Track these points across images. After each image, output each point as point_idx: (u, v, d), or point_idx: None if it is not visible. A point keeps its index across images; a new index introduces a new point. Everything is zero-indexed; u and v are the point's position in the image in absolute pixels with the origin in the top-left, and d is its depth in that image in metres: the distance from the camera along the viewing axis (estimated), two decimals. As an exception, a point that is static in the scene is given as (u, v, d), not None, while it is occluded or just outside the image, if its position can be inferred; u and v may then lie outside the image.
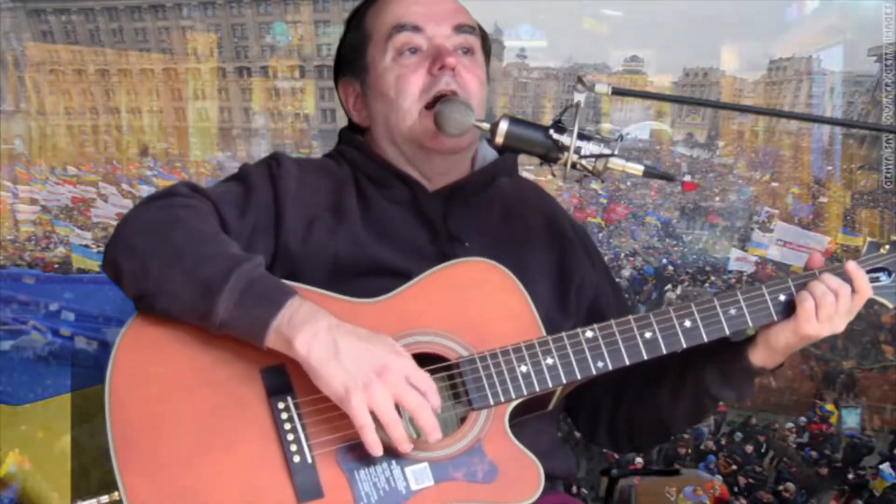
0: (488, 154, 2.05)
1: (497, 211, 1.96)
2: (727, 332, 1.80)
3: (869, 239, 1.88)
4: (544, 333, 1.79)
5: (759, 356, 1.85)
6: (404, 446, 1.65)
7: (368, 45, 1.98)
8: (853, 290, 1.78)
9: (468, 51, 1.96)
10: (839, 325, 1.80)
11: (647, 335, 1.79)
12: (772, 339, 1.83)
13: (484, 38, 2.02)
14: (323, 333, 1.64)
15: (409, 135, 1.90)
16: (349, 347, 1.63)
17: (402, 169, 1.93)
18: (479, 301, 1.79)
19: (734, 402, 1.91)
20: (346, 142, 2.01)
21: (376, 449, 1.63)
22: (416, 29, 1.94)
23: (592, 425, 2.00)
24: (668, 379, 1.91)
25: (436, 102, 1.86)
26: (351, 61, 2.01)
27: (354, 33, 2.01)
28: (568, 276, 1.96)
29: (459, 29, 1.96)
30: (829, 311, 1.76)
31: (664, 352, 1.80)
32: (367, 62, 1.98)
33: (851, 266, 1.81)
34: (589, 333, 1.78)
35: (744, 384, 1.88)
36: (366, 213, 1.90)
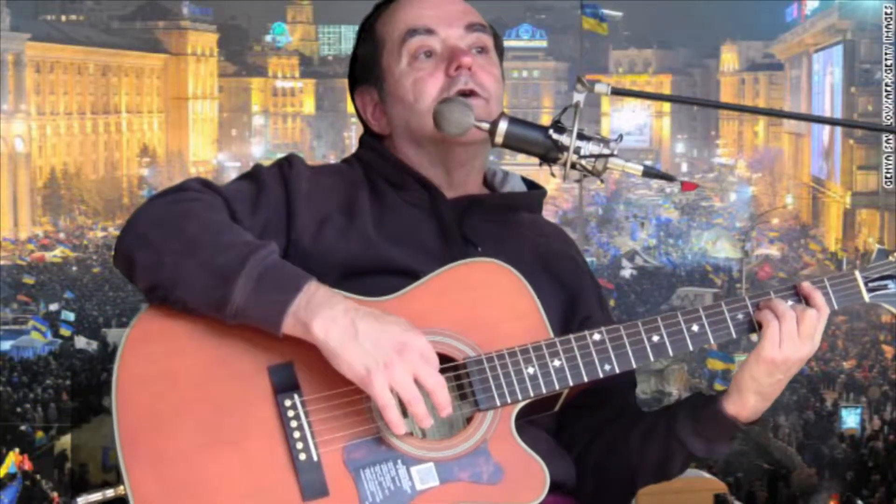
0: (517, 187, 2.04)
1: (514, 231, 1.96)
2: (734, 336, 1.79)
3: (878, 246, 1.88)
4: (552, 335, 1.77)
5: (730, 401, 1.80)
6: (426, 422, 1.63)
7: (382, 52, 1.95)
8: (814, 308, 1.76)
9: (482, 49, 1.94)
10: (804, 348, 1.76)
11: (655, 339, 1.77)
12: (737, 377, 1.79)
13: (496, 36, 2.01)
14: (341, 316, 1.62)
15: (432, 134, 1.87)
16: (367, 328, 1.62)
17: (422, 173, 1.93)
18: (486, 301, 1.77)
19: (704, 454, 1.84)
20: (366, 146, 1.99)
21: (400, 427, 1.62)
22: (428, 32, 1.91)
23: None
24: (645, 422, 1.88)
25: None
26: (366, 71, 1.98)
27: (366, 43, 1.99)
28: (575, 307, 1.95)
29: (471, 28, 1.93)
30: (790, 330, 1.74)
31: (671, 355, 1.79)
32: (382, 70, 1.95)
33: (806, 286, 1.79)
34: (596, 336, 1.77)
35: (715, 434, 1.82)
36: (379, 213, 1.89)
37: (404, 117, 1.93)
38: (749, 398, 1.78)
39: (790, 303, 1.78)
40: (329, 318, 1.62)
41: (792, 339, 1.75)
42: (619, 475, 1.89)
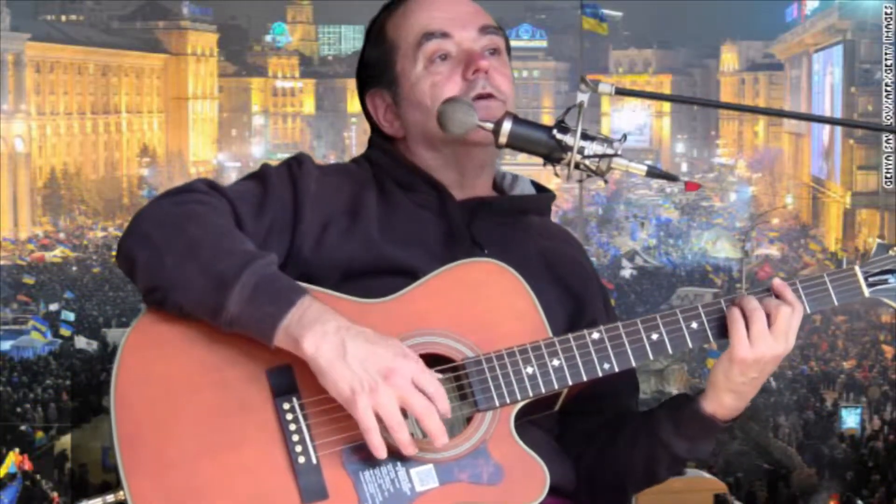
0: (527, 190, 2.04)
1: (522, 235, 1.96)
2: None
3: (878, 241, 1.87)
4: (551, 335, 1.77)
5: (707, 400, 1.80)
6: (408, 450, 1.63)
7: (396, 55, 1.94)
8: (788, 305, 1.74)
9: (495, 51, 1.94)
10: (778, 346, 1.74)
11: (654, 337, 1.77)
12: (711, 375, 1.79)
13: (505, 36, 2.01)
14: (331, 334, 1.62)
15: (449, 136, 1.86)
16: (357, 349, 1.61)
17: (432, 175, 1.92)
18: (486, 301, 1.76)
19: (687, 455, 1.83)
20: (376, 147, 1.99)
21: (381, 452, 1.62)
22: (444, 35, 1.91)
23: None
24: (631, 426, 1.87)
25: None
26: (377, 73, 1.97)
27: (377, 45, 1.98)
28: (581, 311, 1.95)
29: (484, 30, 1.93)
30: (760, 327, 1.72)
31: (671, 353, 1.79)
32: (396, 73, 1.94)
33: (777, 283, 1.77)
34: (595, 335, 1.76)
35: (696, 434, 1.81)
36: (385, 214, 1.89)
37: (421, 121, 1.92)
38: (724, 397, 1.78)
39: (764, 299, 1.76)
40: (320, 334, 1.61)
41: (763, 338, 1.73)
42: (610, 480, 1.89)
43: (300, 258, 1.82)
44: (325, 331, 1.62)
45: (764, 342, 1.73)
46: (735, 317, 1.74)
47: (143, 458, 1.63)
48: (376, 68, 1.98)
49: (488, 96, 1.88)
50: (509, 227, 1.95)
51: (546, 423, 1.85)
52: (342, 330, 1.63)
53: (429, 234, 1.89)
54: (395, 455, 1.66)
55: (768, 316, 1.74)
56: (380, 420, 1.61)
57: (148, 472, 1.63)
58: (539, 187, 2.05)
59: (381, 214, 1.88)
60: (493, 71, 1.90)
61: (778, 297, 1.76)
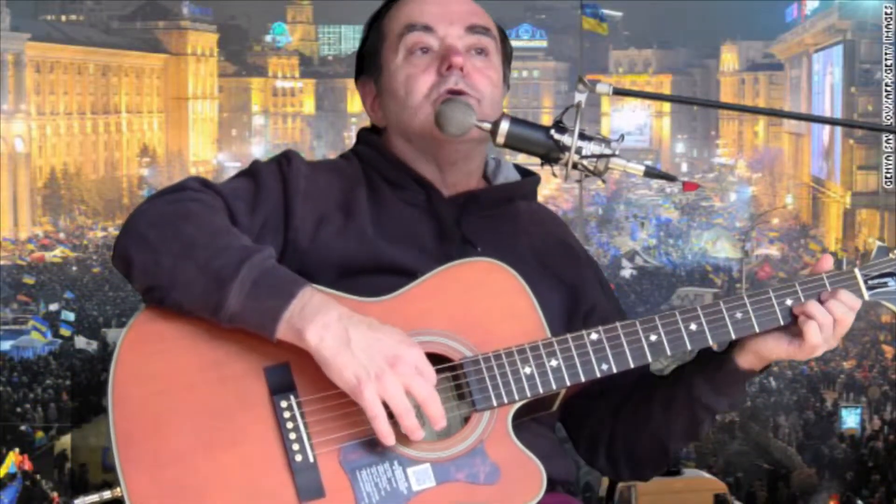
0: (511, 175, 2.05)
1: (512, 226, 1.96)
2: (733, 336, 1.78)
3: (878, 243, 1.87)
4: (549, 335, 1.77)
5: (747, 361, 1.83)
6: (416, 435, 1.63)
7: (383, 45, 1.97)
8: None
9: (481, 51, 1.94)
10: (832, 345, 1.80)
11: (653, 338, 1.77)
12: (763, 350, 1.81)
13: (504, 40, 2.01)
14: (334, 324, 1.63)
15: (419, 130, 1.89)
16: (361, 337, 1.62)
17: (418, 171, 1.93)
18: (483, 301, 1.77)
19: (728, 409, 1.89)
20: (364, 142, 2.00)
21: (389, 438, 1.62)
22: (427, 29, 1.92)
23: (593, 453, 1.98)
24: (661, 394, 1.88)
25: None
26: (368, 62, 2.01)
27: (372, 35, 2.01)
28: (578, 299, 1.96)
29: (472, 29, 1.94)
30: (827, 334, 1.78)
31: (669, 354, 1.79)
32: (380, 62, 1.97)
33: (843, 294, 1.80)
34: (594, 336, 1.76)
35: (735, 390, 1.86)
36: (376, 211, 1.89)
37: (396, 112, 1.94)
38: (758, 363, 1.83)
39: (827, 301, 1.79)
40: (322, 325, 1.62)
41: (828, 342, 1.79)
42: (649, 448, 1.92)
43: (297, 252, 1.83)
44: (327, 321, 1.62)
45: (826, 345, 1.79)
46: (813, 313, 1.77)
47: (139, 455, 1.64)
48: (367, 57, 2.01)
49: (460, 92, 1.88)
50: (498, 219, 1.96)
51: (546, 418, 1.86)
52: (344, 319, 1.63)
53: (420, 232, 1.89)
54: (393, 454, 1.67)
55: (836, 322, 1.78)
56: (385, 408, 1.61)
57: (145, 468, 1.63)
58: (523, 171, 2.06)
59: (373, 212, 1.89)
60: (471, 69, 1.91)
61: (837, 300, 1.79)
